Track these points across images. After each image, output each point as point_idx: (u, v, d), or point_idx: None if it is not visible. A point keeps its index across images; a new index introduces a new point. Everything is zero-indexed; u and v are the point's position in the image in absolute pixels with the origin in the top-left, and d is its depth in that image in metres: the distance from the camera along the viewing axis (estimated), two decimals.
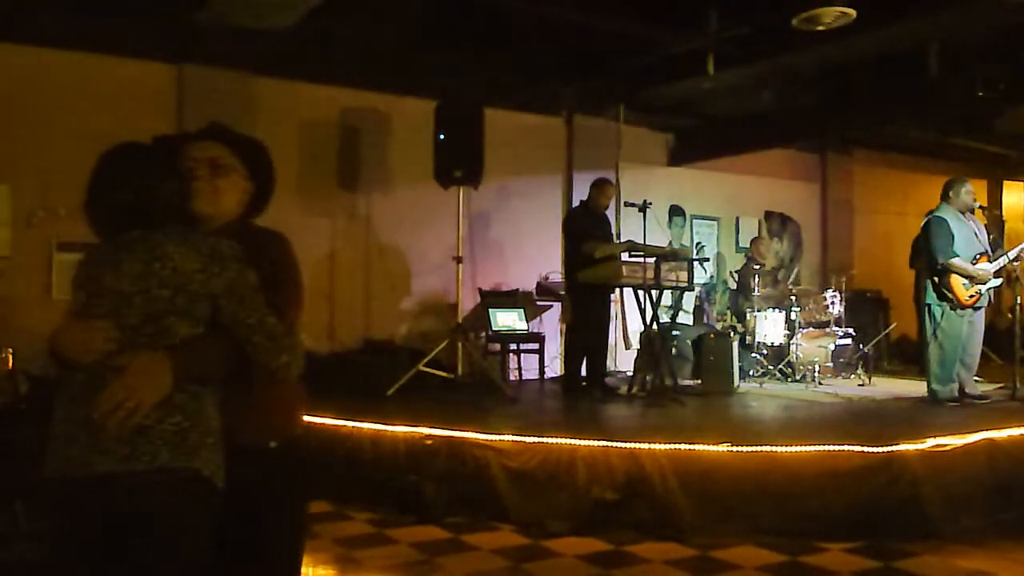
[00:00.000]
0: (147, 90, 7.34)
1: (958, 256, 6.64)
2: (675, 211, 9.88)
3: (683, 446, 5.09)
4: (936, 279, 6.74)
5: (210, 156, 2.32)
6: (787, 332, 8.70)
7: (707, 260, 7.95)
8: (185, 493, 2.02)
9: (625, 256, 7.12)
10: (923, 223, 6.93)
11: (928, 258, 6.82)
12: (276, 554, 2.39)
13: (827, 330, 8.71)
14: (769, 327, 8.67)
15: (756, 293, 8.89)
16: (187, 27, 7.04)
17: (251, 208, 2.44)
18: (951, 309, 6.71)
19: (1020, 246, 6.88)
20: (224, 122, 2.47)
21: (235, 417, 2.17)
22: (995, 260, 6.76)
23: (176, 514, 2.02)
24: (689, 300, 9.38)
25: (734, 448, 5.07)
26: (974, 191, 6.99)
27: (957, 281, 6.65)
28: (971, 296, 6.66)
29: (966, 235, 6.77)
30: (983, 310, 6.91)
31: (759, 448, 5.09)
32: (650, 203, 7.42)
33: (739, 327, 8.92)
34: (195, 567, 2.04)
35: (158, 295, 2.04)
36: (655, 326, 7.21)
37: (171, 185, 2.19)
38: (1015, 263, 6.87)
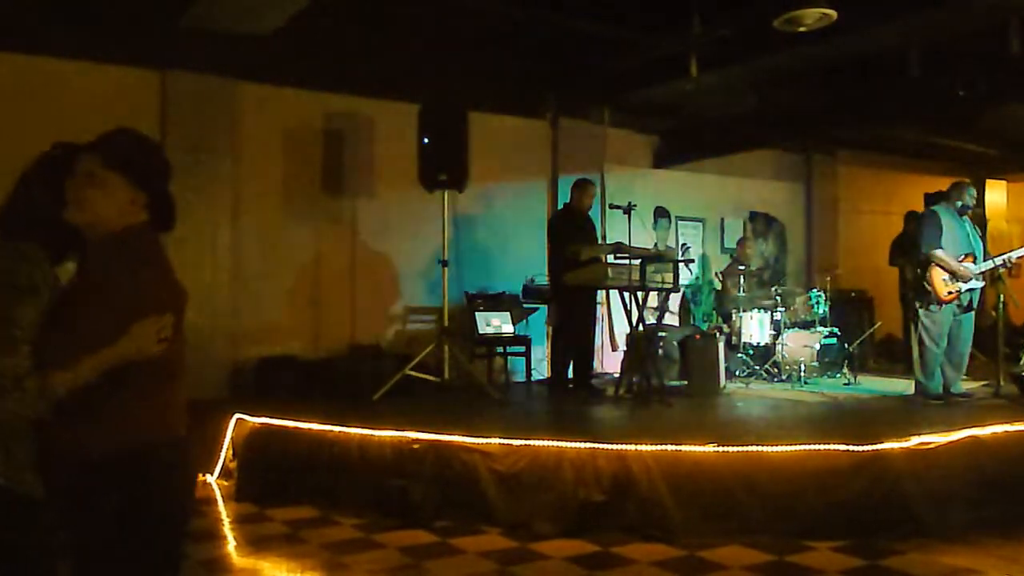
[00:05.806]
0: (130, 96, 7.28)
1: (942, 249, 6.66)
2: (660, 213, 9.90)
3: (670, 447, 5.10)
4: (918, 271, 6.76)
5: (83, 168, 2.30)
6: (773, 332, 8.75)
7: (692, 261, 7.95)
8: None
9: (611, 258, 7.13)
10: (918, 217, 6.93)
11: (915, 250, 6.82)
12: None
13: (812, 330, 8.75)
14: (755, 327, 8.71)
15: (742, 294, 8.93)
16: (169, 33, 7.00)
17: (157, 219, 2.36)
18: (928, 305, 6.73)
19: (1008, 253, 6.84)
20: (131, 129, 2.41)
21: (59, 423, 2.15)
22: (982, 263, 6.77)
23: None
24: (675, 301, 9.38)
25: (720, 448, 5.09)
26: (975, 195, 7.04)
27: (937, 275, 6.66)
28: (949, 292, 6.67)
29: (958, 234, 6.77)
30: (973, 313, 6.89)
31: (745, 448, 5.11)
32: (635, 205, 7.45)
33: (725, 328, 8.95)
34: None
35: None
36: (641, 327, 7.22)
37: (29, 195, 2.28)
38: (1002, 269, 6.84)
